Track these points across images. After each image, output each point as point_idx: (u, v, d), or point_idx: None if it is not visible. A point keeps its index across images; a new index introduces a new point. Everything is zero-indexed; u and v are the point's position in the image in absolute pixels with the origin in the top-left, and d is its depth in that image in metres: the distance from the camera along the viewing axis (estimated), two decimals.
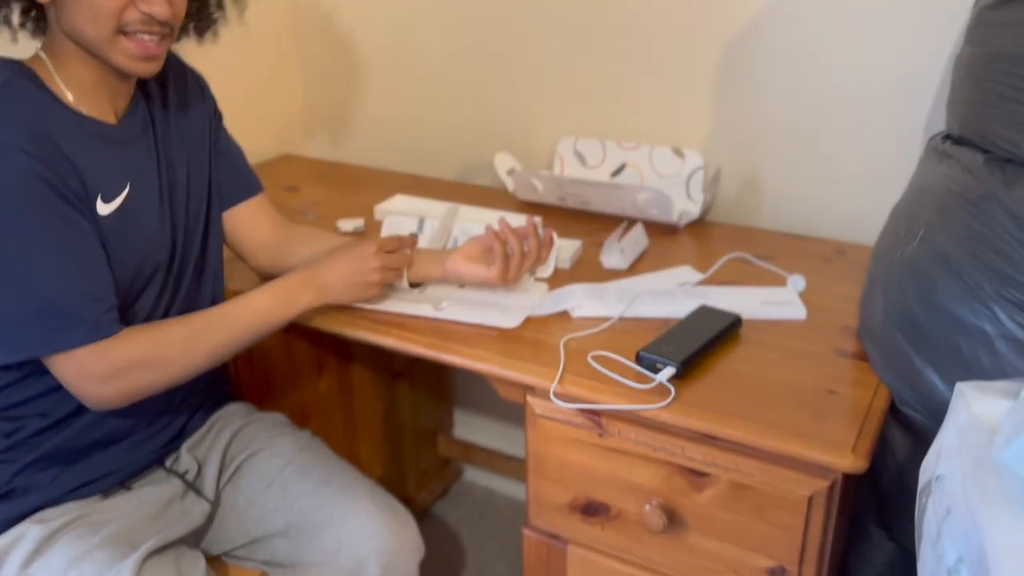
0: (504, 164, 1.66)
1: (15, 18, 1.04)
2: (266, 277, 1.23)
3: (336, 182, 1.79)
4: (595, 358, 1.05)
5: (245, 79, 1.86)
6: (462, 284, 1.24)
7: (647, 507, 1.02)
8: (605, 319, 1.15)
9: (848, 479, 0.94)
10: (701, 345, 1.03)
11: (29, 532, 1.03)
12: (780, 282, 1.26)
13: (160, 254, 1.10)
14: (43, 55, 1.02)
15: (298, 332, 1.38)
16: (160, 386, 1.03)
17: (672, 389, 0.98)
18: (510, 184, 1.62)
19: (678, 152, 1.55)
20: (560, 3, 1.62)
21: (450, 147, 1.87)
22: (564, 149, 1.66)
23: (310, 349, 1.59)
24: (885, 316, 1.01)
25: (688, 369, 1.00)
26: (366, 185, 1.76)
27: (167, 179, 1.12)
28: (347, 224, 1.50)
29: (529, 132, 1.76)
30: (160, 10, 0.97)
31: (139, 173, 1.08)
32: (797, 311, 1.16)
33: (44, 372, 1.04)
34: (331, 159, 2.04)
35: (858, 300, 1.13)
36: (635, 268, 1.32)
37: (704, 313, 1.12)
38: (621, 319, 1.15)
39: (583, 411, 1.03)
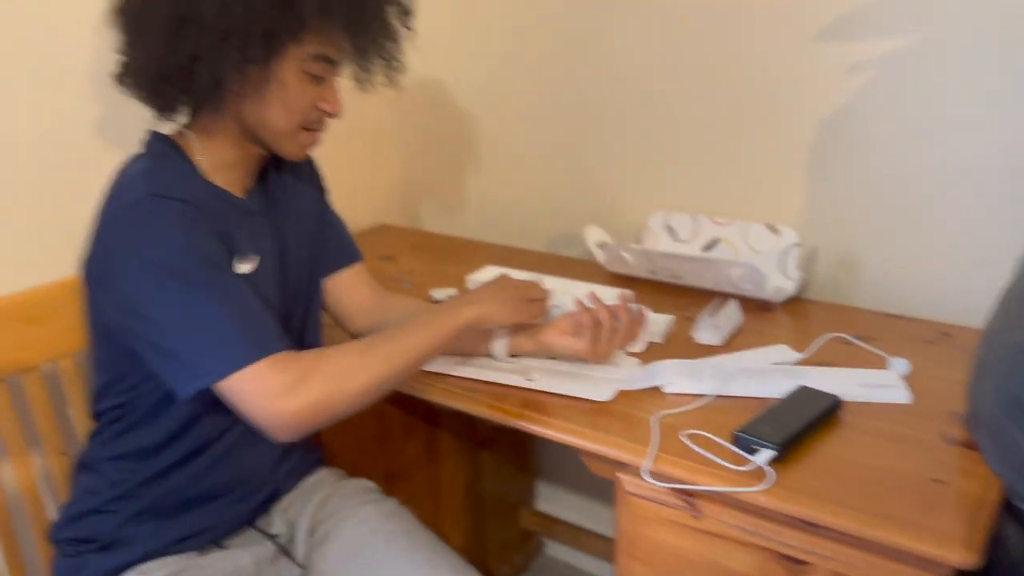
0: (594, 237, 1.67)
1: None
2: None
3: (430, 252, 1.83)
4: (689, 437, 1.04)
5: (346, 153, 1.94)
6: (553, 356, 1.24)
7: None
8: (699, 396, 1.13)
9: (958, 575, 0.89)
10: (801, 427, 1.00)
11: None
12: (879, 364, 1.22)
13: None
14: (188, 131, 1.09)
15: (391, 398, 1.39)
16: (343, 401, 0.98)
17: (770, 472, 0.95)
18: (600, 256, 1.63)
19: (772, 228, 1.54)
20: (654, 82, 1.64)
21: (541, 220, 1.90)
22: (655, 224, 1.66)
23: (400, 415, 1.61)
24: (996, 404, 0.97)
25: (787, 452, 0.98)
26: (459, 255, 1.80)
27: (283, 253, 1.18)
28: (440, 293, 1.53)
29: (619, 207, 1.77)
30: (338, 111, 1.09)
31: (261, 246, 1.14)
32: (900, 395, 1.12)
33: (153, 419, 1.08)
34: (425, 230, 2.09)
35: (965, 385, 1.09)
36: (730, 345, 1.31)
37: (803, 394, 1.09)
38: (716, 397, 1.13)
39: (676, 491, 1.01)
